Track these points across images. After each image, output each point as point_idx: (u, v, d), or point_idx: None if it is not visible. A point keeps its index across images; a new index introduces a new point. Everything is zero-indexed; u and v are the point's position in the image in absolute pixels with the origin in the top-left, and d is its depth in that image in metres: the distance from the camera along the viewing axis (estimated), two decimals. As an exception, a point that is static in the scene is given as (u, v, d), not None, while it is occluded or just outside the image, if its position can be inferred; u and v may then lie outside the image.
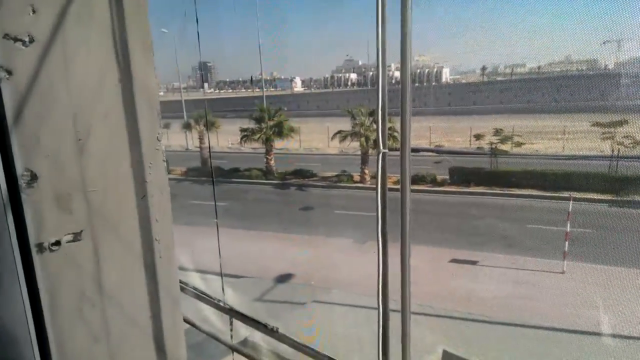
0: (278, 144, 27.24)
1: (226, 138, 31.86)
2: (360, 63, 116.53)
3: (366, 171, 22.21)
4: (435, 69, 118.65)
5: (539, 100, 71.34)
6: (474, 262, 12.45)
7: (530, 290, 10.62)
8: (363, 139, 21.31)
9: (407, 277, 2.80)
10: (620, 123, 19.66)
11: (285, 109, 28.84)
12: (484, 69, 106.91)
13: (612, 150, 19.60)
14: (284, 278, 11.88)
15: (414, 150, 32.43)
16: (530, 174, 19.71)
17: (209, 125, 28.10)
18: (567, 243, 11.38)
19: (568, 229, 11.43)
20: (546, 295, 10.32)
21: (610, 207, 17.31)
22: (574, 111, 45.18)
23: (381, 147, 3.34)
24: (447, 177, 21.69)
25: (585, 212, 16.19)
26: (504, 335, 8.61)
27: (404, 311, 2.54)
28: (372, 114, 21.72)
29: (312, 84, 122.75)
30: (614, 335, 8.39)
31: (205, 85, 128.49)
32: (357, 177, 22.58)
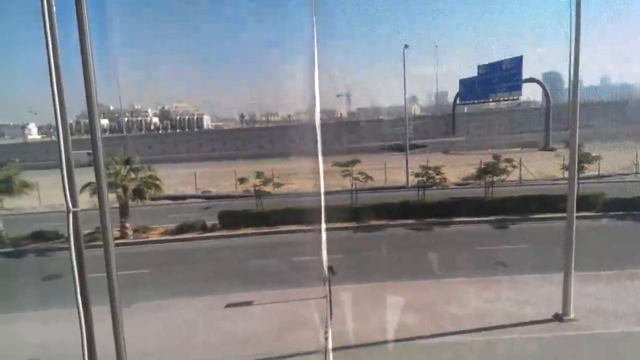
0: (8, 203, 22.08)
1: None
2: (111, 108, 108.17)
3: (127, 225, 20.08)
4: (195, 116, 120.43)
5: (291, 145, 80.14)
6: (249, 303, 12.52)
7: (298, 318, 11.25)
8: (120, 189, 19.27)
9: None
10: (354, 162, 23.62)
11: (17, 160, 23.72)
12: (242, 116, 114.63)
13: (352, 185, 23.34)
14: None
15: (180, 197, 31.48)
16: (291, 211, 21.52)
17: None
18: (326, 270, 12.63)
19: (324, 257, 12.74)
20: (311, 321, 11.15)
21: (354, 232, 20.39)
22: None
23: (70, 206, 2.84)
24: (217, 222, 21.65)
25: (336, 240, 18.58)
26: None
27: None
28: (128, 162, 19.96)
29: (51, 130, 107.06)
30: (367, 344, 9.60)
31: None
32: (116, 233, 20.16)
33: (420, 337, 9.84)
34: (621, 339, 9.38)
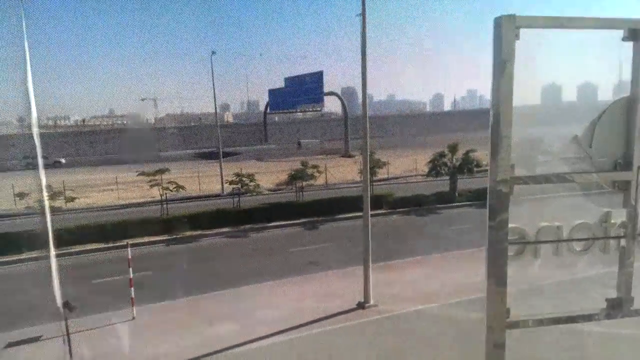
0: None
1: None
2: None
3: None
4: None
5: (89, 152, 71.14)
6: (36, 339, 10.42)
7: (98, 347, 9.83)
8: None
9: None
10: (162, 171, 22.00)
11: None
12: (21, 120, 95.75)
13: (161, 195, 21.70)
14: None
15: None
16: (87, 228, 18.76)
17: None
18: (132, 289, 11.36)
19: (131, 276, 11.44)
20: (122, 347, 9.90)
21: (167, 246, 18.99)
22: (123, 162, 47.73)
23: None
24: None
25: (145, 256, 17.00)
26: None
27: None
28: None
29: None
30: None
31: None
32: None
33: (236, 346, 9.62)
34: (412, 316, 10.89)
